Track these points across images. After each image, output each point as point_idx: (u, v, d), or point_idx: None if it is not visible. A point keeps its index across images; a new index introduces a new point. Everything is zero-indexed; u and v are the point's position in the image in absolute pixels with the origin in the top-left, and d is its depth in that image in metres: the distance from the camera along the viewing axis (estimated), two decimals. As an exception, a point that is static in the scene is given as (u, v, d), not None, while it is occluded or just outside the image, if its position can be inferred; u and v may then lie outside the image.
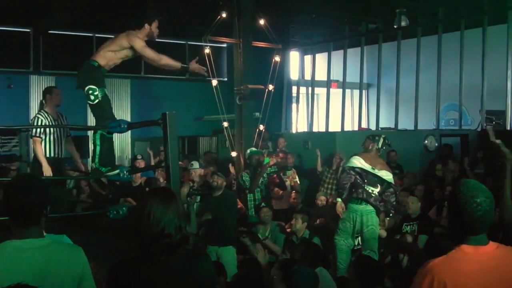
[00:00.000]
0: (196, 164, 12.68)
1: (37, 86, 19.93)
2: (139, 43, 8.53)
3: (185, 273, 3.55)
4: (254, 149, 13.19)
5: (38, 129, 9.07)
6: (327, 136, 17.70)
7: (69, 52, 20.03)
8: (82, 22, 19.79)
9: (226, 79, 22.11)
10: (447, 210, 5.16)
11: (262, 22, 15.09)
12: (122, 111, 20.54)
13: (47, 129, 9.11)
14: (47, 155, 9.09)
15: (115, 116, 8.85)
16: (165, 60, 8.69)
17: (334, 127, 22.27)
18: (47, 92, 9.45)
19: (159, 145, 14.01)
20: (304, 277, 6.37)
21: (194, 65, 8.66)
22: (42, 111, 9.27)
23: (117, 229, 8.47)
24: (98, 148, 8.72)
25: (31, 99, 19.93)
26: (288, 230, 10.33)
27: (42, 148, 9.07)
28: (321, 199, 11.98)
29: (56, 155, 9.24)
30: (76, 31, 20.96)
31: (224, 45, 22.14)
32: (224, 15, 14.87)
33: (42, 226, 3.78)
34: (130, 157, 18.30)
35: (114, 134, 8.97)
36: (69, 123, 9.97)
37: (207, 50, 14.96)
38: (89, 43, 20.70)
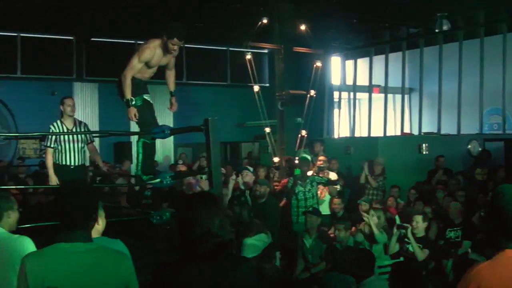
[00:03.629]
0: (249, 170, 12.71)
1: (80, 93, 20.16)
2: (133, 58, 8.60)
3: (226, 277, 3.54)
4: (306, 156, 13.02)
5: (50, 140, 9.23)
6: (369, 141, 17.60)
7: (111, 59, 20.21)
8: (124, 29, 19.96)
9: (268, 84, 22.10)
10: (487, 215, 5.07)
11: (303, 27, 15.06)
12: (164, 117, 20.63)
13: (62, 139, 9.22)
14: (67, 163, 9.21)
15: (158, 122, 8.91)
16: (125, 83, 8.63)
17: (376, 132, 22.14)
18: (60, 102, 9.53)
19: (201, 151, 14.05)
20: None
21: (132, 110, 8.58)
22: (57, 120, 9.37)
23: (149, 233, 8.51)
24: (140, 156, 8.80)
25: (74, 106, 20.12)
26: (332, 235, 10.21)
27: (51, 158, 9.21)
28: (364, 206, 11.85)
29: (76, 163, 9.33)
30: (118, 38, 21.14)
31: (265, 51, 22.17)
32: (265, 21, 14.88)
33: (90, 230, 3.81)
34: (172, 162, 18.36)
35: (157, 140, 9.02)
36: (89, 129, 10.04)
37: (248, 56, 14.97)
38: (131, 50, 20.87)
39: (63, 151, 9.29)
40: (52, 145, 9.27)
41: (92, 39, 20.82)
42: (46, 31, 20.33)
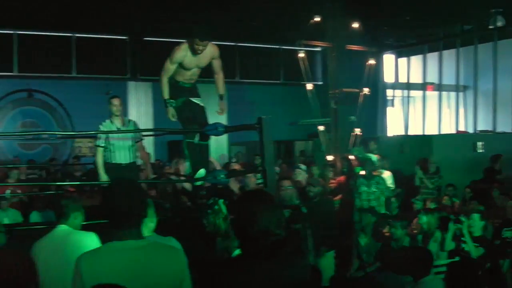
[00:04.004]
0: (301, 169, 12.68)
1: (134, 93, 20.36)
2: (166, 60, 8.69)
3: (284, 275, 3.53)
4: (371, 156, 12.93)
5: (99, 139, 9.40)
6: (423, 139, 17.43)
7: (165, 59, 20.36)
8: (177, 29, 20.06)
9: (321, 83, 22.02)
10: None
11: (356, 25, 14.98)
12: (218, 116, 20.72)
13: (111, 138, 9.35)
14: (117, 162, 9.33)
15: (207, 123, 8.91)
16: (161, 85, 8.70)
17: (430, 130, 21.93)
18: (108, 102, 9.68)
19: (255, 149, 14.08)
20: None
21: (169, 111, 8.63)
22: (107, 120, 9.51)
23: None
24: (187, 155, 8.90)
25: (128, 105, 20.34)
26: (387, 234, 10.12)
27: (101, 157, 9.36)
28: (419, 204, 11.74)
29: (126, 162, 9.43)
30: (172, 37, 21.27)
31: (318, 49, 22.13)
32: (317, 19, 14.84)
33: (140, 227, 3.84)
34: (227, 160, 18.42)
35: (212, 138, 9.07)
36: (138, 128, 10.12)
37: (301, 54, 14.96)
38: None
39: (113, 149, 9.42)
40: (102, 144, 9.42)
41: (145, 38, 21.00)
42: (100, 31, 20.57)
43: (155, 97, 20.73)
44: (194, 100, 8.90)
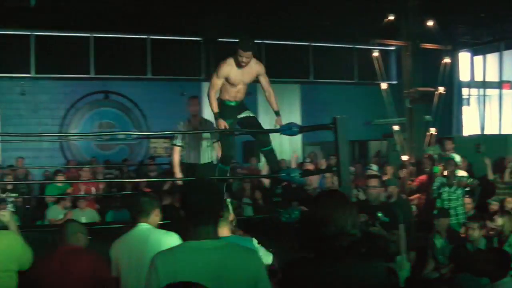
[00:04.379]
0: (372, 169, 12.61)
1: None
2: (213, 75, 8.73)
3: (359, 276, 3.51)
4: (456, 156, 12.76)
5: (177, 138, 9.64)
6: (500, 138, 17.14)
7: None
8: (250, 30, 20.16)
9: (395, 82, 21.82)
10: None
11: (430, 23, 14.81)
12: (292, 116, 20.71)
13: (189, 137, 9.47)
14: (194, 161, 9.47)
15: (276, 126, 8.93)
16: (209, 101, 8.67)
17: (507, 129, 21.51)
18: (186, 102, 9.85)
19: (329, 149, 14.04)
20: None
21: (221, 123, 8.57)
22: (185, 119, 9.67)
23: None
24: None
25: (203, 106, 20.50)
26: (463, 236, 9.97)
27: (178, 157, 9.56)
28: (495, 205, 11.52)
29: (200, 162, 9.55)
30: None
31: (393, 48, 21.94)
32: (391, 17, 14.73)
33: (217, 227, 3.87)
34: (301, 161, 18.40)
35: (285, 139, 9.11)
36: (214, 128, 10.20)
37: (375, 53, 14.86)
38: (257, 50, 21.14)
39: (190, 149, 9.56)
40: (179, 144, 9.57)
41: (219, 39, 21.14)
42: (175, 33, 20.81)
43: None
44: (243, 115, 8.90)
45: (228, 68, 8.56)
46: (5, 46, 19.65)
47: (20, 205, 13.92)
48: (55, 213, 12.42)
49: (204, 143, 9.62)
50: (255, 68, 8.72)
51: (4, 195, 13.42)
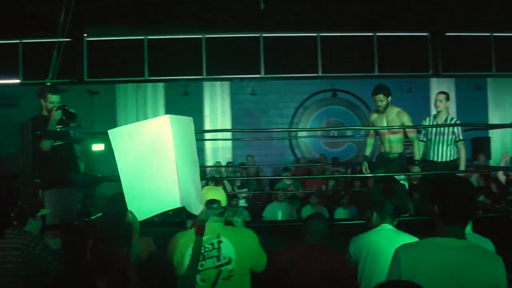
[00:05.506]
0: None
1: (437, 89, 20.08)
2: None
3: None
4: None
5: (419, 133, 9.78)
6: None
7: (467, 54, 19.99)
8: (477, 23, 19.57)
9: None
10: None
11: None
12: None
13: (431, 134, 9.37)
14: (431, 158, 9.37)
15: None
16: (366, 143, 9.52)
17: None
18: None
19: None
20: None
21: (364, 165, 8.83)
22: (431, 115, 9.65)
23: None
24: None
25: (431, 102, 20.18)
26: None
27: (419, 152, 9.51)
28: None
29: (440, 159, 9.36)
30: (473, 31, 20.76)
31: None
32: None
33: (465, 226, 3.80)
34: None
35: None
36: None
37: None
38: (486, 44, 20.51)
39: (431, 146, 9.50)
40: (422, 139, 9.59)
41: (447, 34, 20.68)
42: (401, 29, 20.62)
43: (458, 93, 20.39)
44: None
45: (374, 116, 9.95)
46: (239, 49, 20.50)
47: (251, 201, 14.44)
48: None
49: (446, 141, 9.49)
50: (397, 115, 9.56)
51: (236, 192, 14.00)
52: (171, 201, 4.95)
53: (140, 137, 5.02)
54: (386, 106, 9.29)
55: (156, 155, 4.98)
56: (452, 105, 20.45)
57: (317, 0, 18.03)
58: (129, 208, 4.96)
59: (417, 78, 20.43)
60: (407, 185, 9.39)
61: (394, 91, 18.97)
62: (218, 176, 15.90)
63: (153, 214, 5.03)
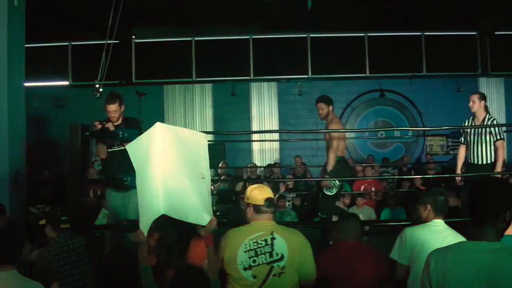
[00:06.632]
0: None
1: (485, 89, 19.89)
2: None
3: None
4: None
5: (461, 135, 9.68)
6: None
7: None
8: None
9: None
10: None
11: None
12: None
13: (469, 135, 9.34)
14: (471, 161, 9.34)
15: None
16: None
17: None
18: None
19: None
20: None
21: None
22: (470, 117, 9.60)
23: None
24: None
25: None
26: None
27: (462, 153, 9.65)
28: None
29: (479, 162, 9.28)
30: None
31: None
32: None
33: (499, 229, 3.72)
34: None
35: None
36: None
37: None
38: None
39: (470, 147, 9.39)
40: (462, 141, 9.51)
41: (496, 33, 20.46)
42: (449, 28, 20.46)
43: (507, 92, 20.19)
44: None
45: None
46: (287, 49, 20.58)
47: (299, 203, 14.44)
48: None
49: (484, 142, 9.35)
50: None
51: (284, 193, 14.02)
52: (155, 208, 5.29)
53: (149, 145, 5.32)
54: (327, 115, 9.44)
55: (150, 165, 5.28)
56: (501, 104, 20.24)
57: (364, 0, 17.98)
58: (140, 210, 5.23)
59: (466, 77, 20.24)
60: None
61: (442, 91, 18.88)
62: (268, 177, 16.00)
63: (151, 220, 5.30)
